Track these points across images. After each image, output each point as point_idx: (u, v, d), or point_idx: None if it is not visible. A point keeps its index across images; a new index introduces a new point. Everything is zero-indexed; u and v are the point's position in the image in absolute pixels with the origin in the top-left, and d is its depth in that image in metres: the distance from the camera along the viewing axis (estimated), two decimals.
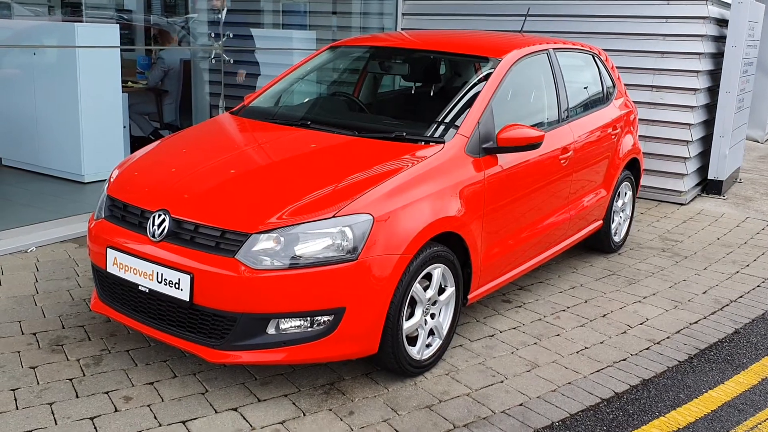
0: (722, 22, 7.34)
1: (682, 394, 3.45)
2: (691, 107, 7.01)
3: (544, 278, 4.91)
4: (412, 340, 3.42)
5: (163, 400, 3.13)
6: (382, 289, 3.08)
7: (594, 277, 4.98)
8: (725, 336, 4.13)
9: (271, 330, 3.02)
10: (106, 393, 3.15)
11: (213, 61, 6.79)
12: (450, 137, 3.64)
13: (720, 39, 7.36)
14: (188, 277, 3.00)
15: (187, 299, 3.01)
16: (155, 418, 2.99)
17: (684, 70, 6.99)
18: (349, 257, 3.01)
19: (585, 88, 5.09)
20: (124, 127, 6.85)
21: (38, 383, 3.20)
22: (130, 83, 7.44)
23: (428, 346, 3.52)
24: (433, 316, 3.49)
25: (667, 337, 4.07)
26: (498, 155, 3.84)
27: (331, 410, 3.12)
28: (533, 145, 3.78)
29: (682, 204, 7.17)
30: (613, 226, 5.42)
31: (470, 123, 3.71)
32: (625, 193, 5.54)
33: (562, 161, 4.36)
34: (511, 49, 4.22)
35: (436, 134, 3.68)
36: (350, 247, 3.02)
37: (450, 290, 3.54)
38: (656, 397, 3.41)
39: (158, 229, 3.15)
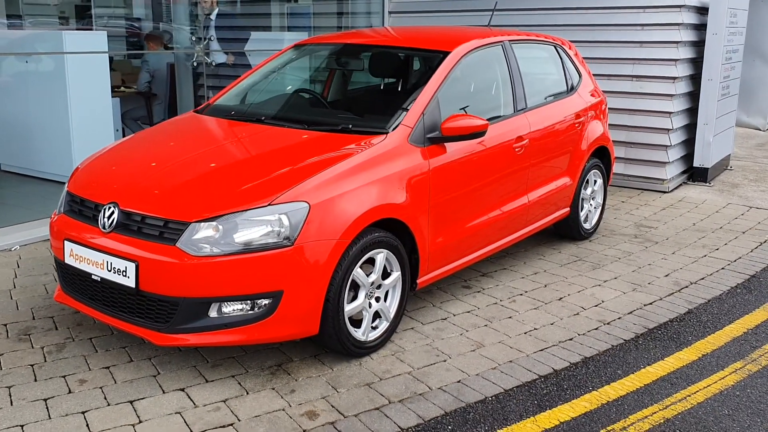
0: (703, 10, 7.38)
1: (619, 370, 3.56)
2: (671, 96, 7.07)
3: (509, 265, 5.03)
4: (358, 323, 3.57)
5: (116, 383, 3.31)
6: (319, 273, 3.24)
7: (559, 263, 5.09)
8: (677, 316, 4.22)
9: (213, 313, 3.18)
10: (63, 377, 3.34)
11: (194, 64, 7.00)
12: (393, 128, 3.78)
13: (701, 27, 7.40)
14: (134, 265, 3.18)
15: (134, 286, 3.19)
16: (105, 398, 3.17)
17: (662, 59, 7.05)
18: (286, 243, 3.17)
19: (545, 78, 5.20)
20: (117, 130, 7.08)
21: (1, 369, 3.39)
22: (123, 88, 7.67)
23: (375, 328, 3.66)
24: (378, 299, 3.64)
25: (618, 318, 4.17)
26: (446, 144, 3.97)
27: (273, 389, 3.28)
28: (478, 133, 3.91)
29: (664, 192, 7.22)
30: (582, 213, 5.51)
31: (414, 114, 3.85)
32: (595, 181, 5.63)
33: (516, 150, 4.48)
34: (461, 42, 4.35)
35: (381, 126, 3.82)
36: (287, 233, 3.18)
37: (395, 275, 3.69)
38: (593, 373, 3.53)
39: (108, 221, 3.33)
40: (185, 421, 3.01)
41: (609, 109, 7.16)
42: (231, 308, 3.19)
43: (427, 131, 3.87)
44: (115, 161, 3.82)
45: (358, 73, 5.11)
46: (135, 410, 3.08)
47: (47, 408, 3.08)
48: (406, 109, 3.87)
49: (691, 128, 7.63)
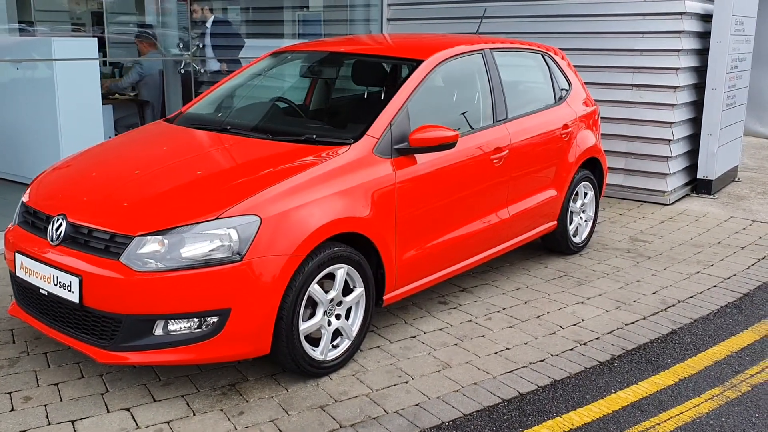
0: (707, 18, 7.17)
1: (588, 395, 3.39)
2: (672, 105, 6.87)
3: (491, 279, 4.87)
4: (318, 341, 3.44)
5: (61, 400, 3.21)
6: (269, 289, 3.11)
7: (544, 279, 4.92)
8: (658, 337, 4.04)
9: (158, 331, 3.07)
10: (9, 393, 3.25)
11: (182, 71, 6.93)
12: (357, 139, 3.65)
13: (705, 35, 7.19)
14: (78, 279, 3.08)
15: (77, 301, 3.09)
16: (47, 417, 3.07)
17: (663, 67, 6.86)
18: (234, 258, 3.05)
19: (530, 88, 5.05)
20: (110, 137, 7.03)
21: None
22: (117, 95, 7.63)
23: (336, 347, 3.53)
24: (338, 317, 3.50)
25: (596, 338, 4.00)
26: (417, 156, 3.84)
27: (222, 410, 3.16)
28: (447, 144, 3.77)
29: (665, 204, 7.01)
30: (571, 227, 5.34)
31: (381, 124, 3.72)
32: (585, 194, 5.45)
33: (494, 161, 4.33)
34: (436, 51, 4.21)
35: (345, 136, 3.70)
36: (236, 248, 3.06)
37: (358, 291, 3.55)
38: (560, 397, 3.36)
39: (56, 233, 3.24)
40: None
41: (607, 118, 7.02)
42: (177, 326, 3.08)
43: (395, 142, 3.74)
44: (70, 172, 3.73)
45: (340, 82, 4.99)
46: (74, 430, 2.97)
47: None
48: (373, 120, 3.74)
49: (695, 138, 7.42)
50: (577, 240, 5.44)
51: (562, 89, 5.24)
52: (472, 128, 4.28)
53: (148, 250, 3.03)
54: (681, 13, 6.70)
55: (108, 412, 3.12)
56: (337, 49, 4.71)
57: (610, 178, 7.22)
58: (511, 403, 3.30)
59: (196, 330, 3.09)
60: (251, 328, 3.12)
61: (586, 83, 7.00)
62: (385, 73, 4.33)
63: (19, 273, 3.38)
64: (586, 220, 5.53)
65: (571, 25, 7.26)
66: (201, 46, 7.07)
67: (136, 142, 4.06)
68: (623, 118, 7.10)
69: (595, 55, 7.14)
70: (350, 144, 3.62)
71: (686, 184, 7.52)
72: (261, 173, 3.38)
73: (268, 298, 3.12)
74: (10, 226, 3.65)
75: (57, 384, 3.35)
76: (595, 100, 6.95)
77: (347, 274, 3.49)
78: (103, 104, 6.95)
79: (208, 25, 8.13)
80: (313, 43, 5.01)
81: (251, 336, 3.14)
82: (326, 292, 3.41)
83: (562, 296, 4.61)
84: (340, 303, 3.50)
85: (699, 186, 7.45)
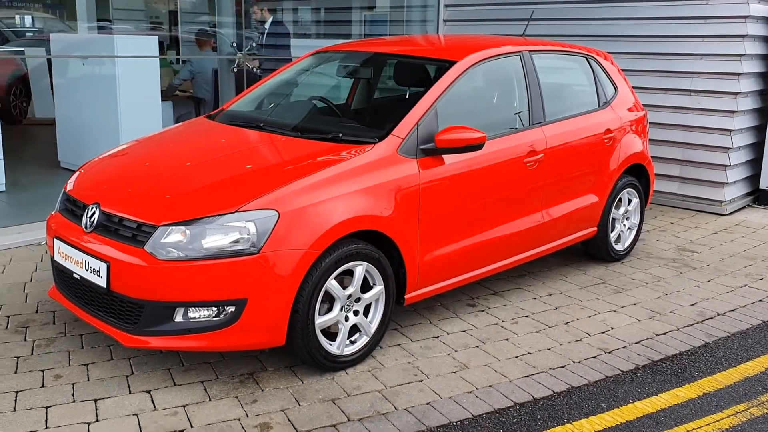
0: None
1: (604, 404, 3.34)
2: (732, 112, 6.63)
3: (526, 284, 4.83)
4: (335, 336, 3.50)
5: (89, 380, 3.37)
6: (285, 282, 3.19)
7: (579, 285, 4.84)
8: (689, 349, 3.93)
9: (178, 318, 3.19)
10: (42, 371, 3.43)
11: (235, 69, 7.12)
12: (382, 138, 3.69)
13: None
14: (106, 265, 3.23)
15: (105, 286, 3.24)
16: (72, 395, 3.23)
17: (724, 72, 6.63)
18: (251, 251, 3.14)
19: (572, 91, 4.98)
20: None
21: None
22: (178, 92, 7.90)
23: (353, 342, 3.58)
24: (356, 313, 3.55)
25: (623, 347, 3.92)
26: (444, 157, 3.85)
27: (236, 397, 3.26)
28: (474, 146, 3.77)
29: (721, 215, 6.78)
30: (612, 234, 5.23)
31: (407, 125, 3.75)
32: (630, 201, 5.33)
33: (528, 164, 4.30)
34: (471, 53, 4.21)
35: (371, 135, 3.74)
36: (253, 241, 3.15)
37: (377, 289, 3.59)
38: (575, 404, 3.32)
39: (89, 221, 3.41)
40: (139, 424, 3.02)
41: (663, 124, 6.85)
42: (196, 314, 3.19)
43: (421, 142, 3.76)
44: (109, 164, 3.91)
45: (382, 82, 5.04)
46: (96, 409, 3.12)
47: (15, 400, 3.16)
48: (399, 120, 3.77)
49: (758, 147, 7.15)
50: (619, 247, 5.33)
51: (606, 93, 5.14)
52: (506, 130, 4.26)
53: (171, 240, 3.15)
54: (745, 17, 6.47)
55: (130, 393, 3.26)
56: (376, 50, 4.77)
57: (664, 186, 7.04)
58: (523, 407, 3.28)
59: (214, 318, 3.19)
60: (266, 319, 3.20)
61: (641, 88, 6.88)
62: (419, 74, 4.35)
63: (57, 258, 3.57)
64: (629, 228, 5.41)
65: (628, 29, 7.10)
66: (254, 45, 7.24)
67: (174, 138, 4.21)
68: (680, 125, 6.91)
69: (652, 59, 6.97)
70: (375, 143, 3.67)
71: (747, 195, 7.25)
72: (284, 169, 3.47)
73: (284, 290, 3.19)
74: (52, 213, 3.85)
75: (87, 364, 3.51)
76: (651, 106, 6.84)
77: (367, 271, 3.53)
78: (163, 101, 7.24)
79: (267, 25, 8.33)
80: (353, 43, 5.08)
81: (266, 327, 3.22)
82: (345, 288, 3.46)
83: (596, 304, 4.53)
84: (358, 299, 3.54)
85: (761, 197, 7.18)
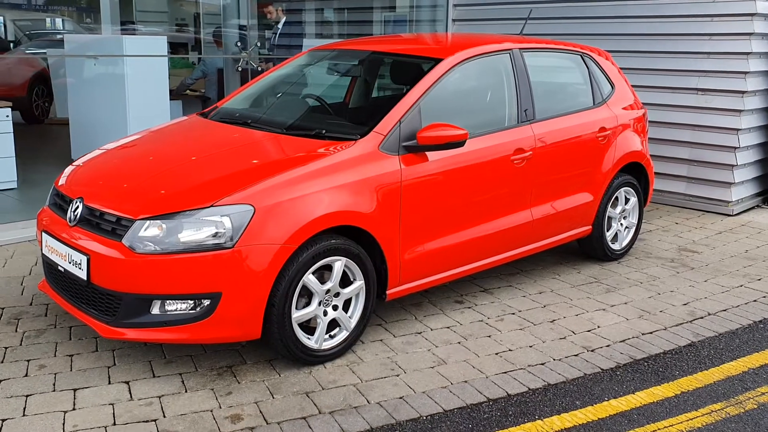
0: None
1: (578, 401, 3.33)
2: (739, 111, 6.55)
3: (517, 282, 4.82)
4: (314, 330, 3.54)
5: (71, 370, 3.45)
6: (259, 276, 3.23)
7: (571, 284, 4.83)
8: (673, 348, 3.90)
9: (155, 310, 3.25)
10: (28, 361, 3.52)
11: (239, 68, 7.20)
12: (364, 135, 3.72)
13: None
14: (86, 258, 3.31)
15: (85, 278, 3.32)
16: (53, 385, 3.31)
17: (730, 71, 6.55)
18: (226, 245, 3.20)
19: (565, 89, 4.96)
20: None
21: None
22: (188, 92, 8.01)
23: (333, 337, 3.61)
24: (335, 308, 3.59)
25: (607, 345, 3.90)
26: (428, 154, 3.87)
27: (212, 390, 3.31)
28: (455, 143, 3.79)
29: (728, 215, 6.69)
30: (609, 233, 5.20)
31: (389, 122, 3.78)
32: (627, 200, 5.29)
33: (516, 162, 4.30)
34: (457, 51, 4.22)
35: (353, 132, 3.78)
36: (228, 235, 3.21)
37: (357, 284, 3.62)
38: (548, 401, 3.32)
39: (73, 214, 3.49)
40: (113, 413, 3.09)
41: (670, 123, 6.79)
42: (173, 306, 3.25)
43: (404, 139, 3.79)
44: (97, 160, 3.99)
45: (377, 80, 5.07)
46: (74, 398, 3.20)
47: None
48: (382, 116, 3.80)
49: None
50: (616, 247, 5.29)
51: (602, 91, 5.11)
52: (493, 128, 4.26)
53: (148, 234, 3.22)
54: (752, 14, 6.38)
55: (109, 383, 3.34)
56: (367, 48, 4.80)
57: (672, 186, 6.98)
58: (495, 403, 3.28)
59: (190, 311, 3.25)
60: (241, 312, 3.25)
61: (648, 87, 6.84)
62: (407, 72, 4.38)
63: (44, 251, 3.66)
64: (627, 227, 5.37)
65: (635, 27, 7.05)
66: (258, 45, 7.33)
67: (164, 135, 4.27)
68: (687, 124, 6.83)
69: (658, 58, 6.91)
70: (356, 140, 3.70)
71: (757, 195, 7.14)
72: (263, 165, 3.52)
73: (258, 284, 3.24)
74: (43, 207, 3.94)
75: (72, 355, 3.60)
76: (658, 105, 6.78)
77: (347, 266, 3.57)
78: (173, 99, 7.35)
79: (280, 26, 8.42)
80: (347, 42, 5.11)
81: (241, 320, 3.27)
82: (324, 283, 3.50)
83: (585, 302, 4.51)
84: (337, 294, 3.58)
85: None
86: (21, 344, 3.70)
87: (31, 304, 4.19)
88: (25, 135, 9.76)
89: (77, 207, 3.49)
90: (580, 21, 7.37)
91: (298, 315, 3.42)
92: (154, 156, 3.87)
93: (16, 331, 3.85)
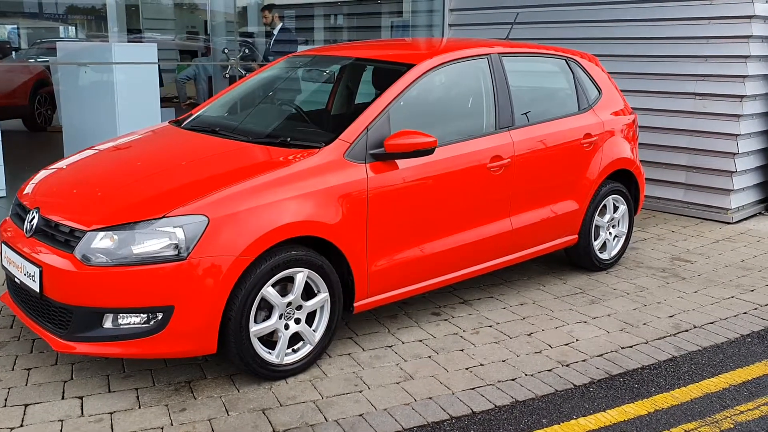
0: None
1: (545, 419, 3.19)
2: (737, 116, 6.38)
3: (498, 293, 4.69)
4: (276, 344, 3.44)
5: (26, 385, 3.37)
6: (213, 289, 3.14)
7: (555, 295, 4.69)
8: (652, 363, 3.75)
9: (107, 324, 3.17)
10: None
11: (227, 75, 7.14)
12: (329, 143, 3.62)
13: None
14: (38, 270, 3.23)
15: (38, 290, 3.24)
16: (5, 399, 3.23)
17: (728, 75, 6.38)
18: (178, 257, 3.10)
19: (547, 94, 4.83)
20: None
21: None
22: (175, 99, 7.97)
23: (296, 351, 3.51)
24: (298, 321, 3.48)
25: (583, 360, 3.76)
26: (398, 162, 3.77)
27: (167, 405, 3.22)
28: (424, 150, 3.68)
29: (727, 223, 6.51)
30: (597, 242, 5.06)
31: (355, 129, 3.67)
32: (616, 208, 5.15)
33: (492, 170, 4.17)
34: (431, 56, 4.11)
35: (318, 139, 3.68)
36: (181, 247, 3.12)
37: (321, 296, 3.52)
38: (513, 419, 3.18)
39: (29, 225, 3.42)
40: (61, 430, 3.00)
41: (667, 129, 6.64)
42: (125, 320, 3.16)
43: (371, 147, 3.68)
44: (61, 169, 3.92)
45: (350, 86, 4.97)
46: (24, 414, 3.12)
47: None
48: (348, 124, 3.70)
49: None
50: (604, 256, 5.15)
51: (588, 97, 4.97)
52: (467, 135, 4.14)
53: (100, 245, 3.14)
54: (749, 17, 6.22)
55: (62, 398, 3.25)
56: (346, 54, 4.70)
57: (669, 194, 6.82)
58: (458, 421, 3.16)
59: (143, 325, 3.16)
60: (195, 326, 3.16)
61: (644, 91, 6.69)
62: (380, 78, 4.27)
63: (3, 262, 3.59)
64: (616, 236, 5.22)
65: (630, 31, 6.90)
66: (246, 51, 7.27)
67: (131, 144, 4.17)
68: (684, 129, 6.67)
69: (654, 62, 6.75)
70: (320, 147, 3.60)
71: (760, 202, 6.96)
72: (221, 174, 3.42)
73: (212, 297, 3.14)
74: (5, 218, 3.88)
75: (30, 369, 3.52)
76: (655, 110, 6.63)
77: (311, 278, 3.46)
78: (164, 107, 7.31)
79: (275, 31, 8.37)
80: (325, 47, 5.03)
81: (195, 334, 3.17)
82: (285, 295, 3.40)
83: (567, 314, 4.37)
84: (300, 307, 3.47)
85: None
86: None
87: None
88: (23, 143, 9.79)
89: (33, 218, 3.42)
90: (573, 25, 7.25)
91: (257, 329, 3.32)
92: (115, 166, 3.80)
93: None
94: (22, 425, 3.04)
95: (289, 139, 3.74)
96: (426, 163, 3.85)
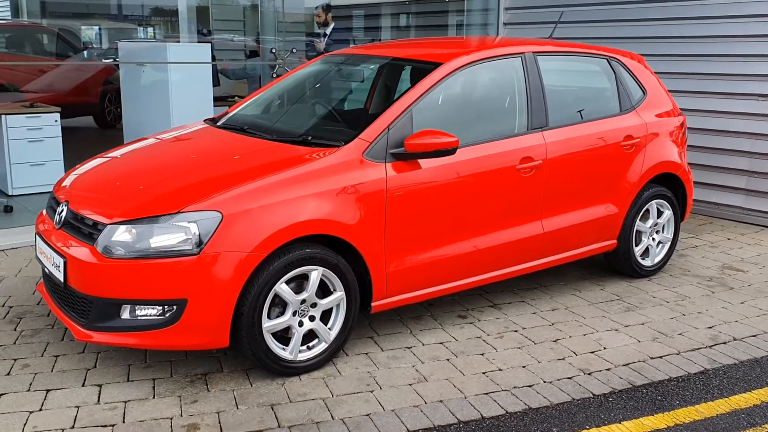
0: None
1: (556, 428, 3.10)
2: None
3: (531, 297, 4.59)
4: (290, 340, 3.46)
5: (52, 371, 3.50)
6: (226, 284, 3.18)
7: (590, 301, 4.55)
8: (681, 375, 3.59)
9: (125, 315, 3.25)
10: (15, 359, 3.60)
11: (274, 75, 7.23)
12: (348, 141, 3.62)
13: None
14: (63, 261, 3.35)
15: (62, 280, 3.36)
16: (30, 384, 3.36)
17: None
18: (192, 251, 3.16)
19: (585, 95, 4.69)
20: None
21: None
22: (236, 97, 8.12)
23: (310, 348, 3.52)
24: (312, 318, 3.49)
25: (607, 369, 3.64)
26: (422, 161, 3.73)
27: (179, 397, 3.28)
28: (445, 150, 3.63)
29: None
30: (638, 248, 4.88)
31: (376, 128, 3.66)
32: (660, 213, 4.96)
33: (522, 171, 4.08)
34: (458, 56, 4.05)
35: (338, 138, 3.68)
36: (195, 242, 3.17)
37: (336, 295, 3.52)
38: (523, 426, 3.10)
39: (59, 217, 3.55)
40: (75, 416, 3.10)
41: (727, 132, 6.36)
42: (142, 312, 3.24)
43: (391, 147, 3.66)
44: (95, 164, 4.04)
45: (384, 85, 4.95)
46: (44, 399, 3.24)
47: None
48: (369, 123, 3.69)
49: None
50: (646, 263, 4.96)
51: (632, 97, 4.80)
52: (497, 136, 4.07)
53: (120, 238, 3.23)
54: None
55: (83, 386, 3.36)
56: (380, 54, 4.69)
57: (728, 199, 6.53)
58: (466, 426, 3.10)
59: (158, 317, 3.23)
60: (207, 320, 3.21)
61: (703, 92, 6.42)
62: (413, 77, 4.23)
63: (37, 253, 3.74)
64: (660, 242, 5.03)
65: (691, 29, 6.62)
66: (294, 51, 7.34)
67: (164, 142, 4.26)
68: (746, 132, 6.37)
69: (713, 62, 6.47)
70: (340, 146, 3.60)
71: None
72: (239, 171, 3.47)
73: (224, 292, 3.19)
74: (41, 211, 4.04)
75: (58, 356, 3.65)
76: (714, 112, 6.35)
77: (326, 276, 3.47)
78: (216, 105, 7.47)
79: (328, 31, 8.44)
80: (361, 47, 5.02)
81: (208, 328, 3.22)
82: (300, 293, 3.41)
83: (598, 322, 4.24)
84: (314, 305, 3.48)
85: None
86: (15, 343, 3.79)
87: (38, 304, 4.30)
88: (89, 139, 10.18)
89: (62, 210, 3.55)
90: (628, 24, 7.01)
91: (269, 324, 3.35)
92: (144, 163, 3.90)
93: (15, 329, 3.95)
94: (41, 409, 3.15)
95: (310, 137, 3.75)
96: (449, 164, 3.80)
